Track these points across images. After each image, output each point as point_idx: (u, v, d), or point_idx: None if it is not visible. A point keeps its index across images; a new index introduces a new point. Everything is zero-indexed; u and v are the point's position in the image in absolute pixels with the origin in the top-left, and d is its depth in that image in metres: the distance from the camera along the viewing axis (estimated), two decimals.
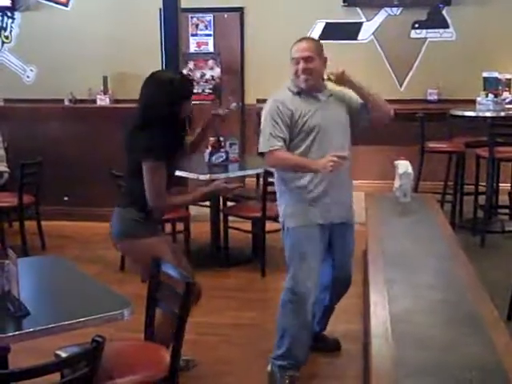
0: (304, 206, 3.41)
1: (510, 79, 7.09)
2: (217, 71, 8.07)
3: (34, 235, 5.84)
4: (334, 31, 7.84)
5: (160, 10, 6.56)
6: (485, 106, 6.48)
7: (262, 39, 7.93)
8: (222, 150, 5.48)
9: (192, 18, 8.17)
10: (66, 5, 8.34)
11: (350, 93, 3.57)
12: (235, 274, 5.34)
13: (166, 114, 3.30)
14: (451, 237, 3.80)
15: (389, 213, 4.18)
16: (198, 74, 8.08)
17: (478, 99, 6.60)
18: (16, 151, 6.26)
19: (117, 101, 7.60)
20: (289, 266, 3.48)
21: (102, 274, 4.73)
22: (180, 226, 5.58)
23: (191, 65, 8.08)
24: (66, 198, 6.87)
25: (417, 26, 7.81)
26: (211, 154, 5.44)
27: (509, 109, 6.49)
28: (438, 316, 2.73)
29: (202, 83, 8.04)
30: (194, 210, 5.86)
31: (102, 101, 7.65)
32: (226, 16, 8.25)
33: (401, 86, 7.95)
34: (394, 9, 7.84)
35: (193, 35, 8.25)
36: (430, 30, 7.80)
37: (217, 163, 5.43)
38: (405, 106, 7.60)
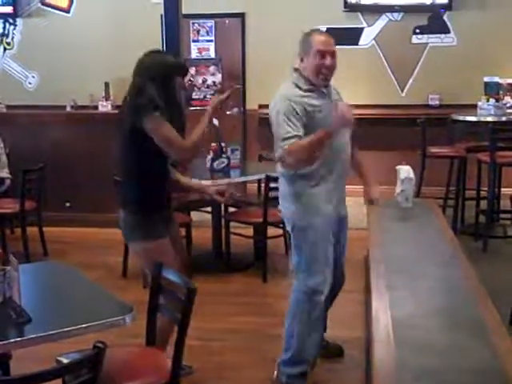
0: (313, 204, 3.35)
1: (511, 84, 7.08)
2: (218, 77, 8.08)
3: (36, 241, 5.83)
4: (335, 36, 7.64)
5: (161, 15, 6.58)
6: (486, 111, 6.48)
7: (264, 45, 7.94)
8: (224, 155, 5.48)
9: (193, 23, 8.19)
10: (67, 11, 8.37)
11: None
12: (237, 279, 5.33)
13: (157, 77, 3.27)
14: (453, 242, 3.79)
15: (390, 218, 4.17)
16: (199, 80, 8.09)
17: (479, 104, 6.60)
18: (18, 157, 6.26)
19: (118, 107, 7.61)
20: (298, 264, 3.42)
21: (103, 280, 4.72)
22: (182, 232, 5.57)
23: (193, 71, 8.09)
24: (68, 204, 6.87)
25: (418, 31, 7.82)
26: (213, 160, 5.44)
27: (510, 113, 6.50)
28: (440, 321, 2.72)
29: (203, 89, 8.05)
30: (195, 215, 5.86)
31: (104, 107, 7.67)
32: (227, 22, 8.27)
33: (402, 91, 7.96)
34: (395, 14, 7.86)
35: (194, 41, 8.27)
36: (431, 35, 7.81)
37: (218, 169, 5.44)
38: (406, 111, 7.63)
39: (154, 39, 7.64)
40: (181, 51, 6.28)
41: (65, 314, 2.67)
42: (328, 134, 3.18)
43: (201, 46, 8.27)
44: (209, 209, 5.72)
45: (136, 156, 3.30)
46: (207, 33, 8.26)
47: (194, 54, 8.25)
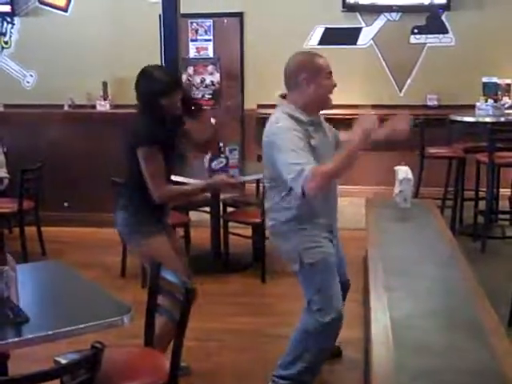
0: (317, 234, 3.26)
1: (509, 84, 7.10)
2: (216, 76, 8.08)
3: (34, 241, 5.82)
4: (333, 36, 7.86)
5: (160, 15, 6.57)
6: (484, 112, 6.49)
7: (262, 44, 7.94)
8: (222, 155, 5.47)
9: (192, 23, 8.18)
10: (65, 10, 8.36)
11: None
12: (235, 279, 5.33)
13: (148, 105, 3.34)
14: (451, 242, 3.79)
15: (389, 219, 4.17)
16: (197, 80, 8.09)
17: (478, 104, 6.61)
18: (16, 157, 6.26)
19: (116, 106, 7.62)
20: (313, 300, 3.28)
21: (102, 280, 4.71)
22: (180, 232, 5.57)
23: (191, 70, 8.09)
24: (66, 204, 6.86)
25: (416, 31, 7.82)
26: (211, 160, 5.43)
27: (508, 114, 6.50)
28: (438, 322, 2.72)
29: (201, 88, 8.05)
30: (194, 215, 5.86)
31: (102, 106, 7.67)
32: (225, 21, 8.26)
33: (400, 91, 7.96)
34: (394, 14, 7.86)
35: (192, 40, 8.26)
36: (429, 36, 7.81)
37: (217, 169, 5.43)
38: (404, 112, 7.61)
39: (152, 39, 7.65)
40: (179, 50, 6.27)
41: (63, 314, 2.67)
42: (354, 150, 3.01)
43: (199, 45, 8.27)
44: (207, 209, 5.72)
45: (139, 167, 3.37)
46: (205, 32, 8.26)
47: (193, 54, 8.25)
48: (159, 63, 7.40)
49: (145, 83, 3.40)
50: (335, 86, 3.22)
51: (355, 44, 7.95)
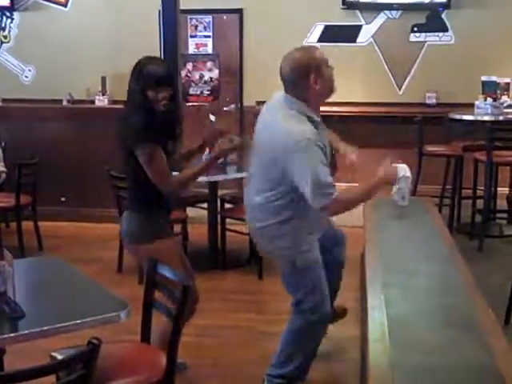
0: (310, 236, 3.26)
1: (508, 83, 7.09)
2: (215, 73, 8.06)
3: (31, 236, 5.82)
4: (332, 34, 7.83)
5: (159, 11, 6.55)
6: (483, 110, 6.48)
7: (261, 41, 7.92)
8: None
9: (191, 19, 8.16)
10: (64, 5, 8.33)
11: None
12: (232, 276, 5.33)
13: (136, 99, 3.26)
14: (449, 241, 3.80)
15: (387, 216, 4.17)
16: (196, 76, 8.06)
17: (477, 103, 6.60)
18: (13, 151, 6.25)
19: (115, 101, 7.58)
20: (304, 301, 3.28)
21: (99, 276, 4.70)
22: (177, 228, 5.57)
23: (190, 66, 8.07)
24: (63, 199, 6.85)
25: (416, 29, 7.80)
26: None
27: (507, 113, 6.49)
28: (435, 320, 2.73)
29: (200, 85, 8.03)
30: (191, 212, 5.85)
31: (101, 101, 7.64)
32: (225, 17, 8.24)
33: (399, 89, 7.95)
34: (394, 12, 7.84)
35: (192, 36, 8.24)
36: (429, 34, 7.79)
37: (216, 166, 5.41)
38: (403, 110, 7.61)
39: (151, 34, 7.62)
40: (178, 46, 6.25)
41: (59, 309, 2.66)
42: (380, 185, 3.21)
43: (198, 41, 8.24)
44: (205, 205, 5.71)
45: (137, 166, 3.28)
46: (205, 28, 8.24)
47: (192, 50, 8.23)
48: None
49: (136, 72, 3.31)
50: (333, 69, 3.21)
51: (355, 42, 7.93)
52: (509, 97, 7.01)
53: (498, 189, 6.40)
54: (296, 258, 3.23)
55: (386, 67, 7.91)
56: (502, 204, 6.44)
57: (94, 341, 2.12)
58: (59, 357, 2.61)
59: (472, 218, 6.17)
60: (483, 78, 6.91)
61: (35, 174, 5.75)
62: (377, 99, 7.83)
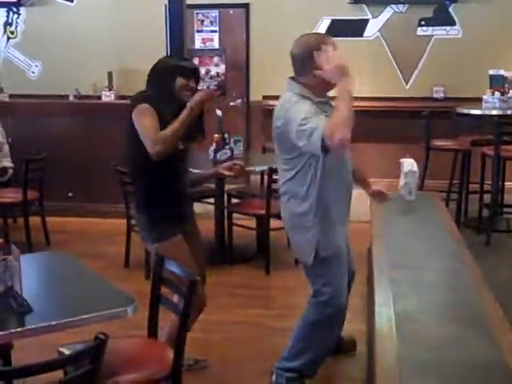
0: (333, 227, 3.23)
1: None
2: (222, 68, 8.05)
3: (39, 231, 5.83)
4: (339, 28, 7.81)
5: (165, 6, 6.54)
6: (491, 104, 6.45)
7: (268, 35, 7.91)
8: (227, 146, 5.47)
9: (197, 14, 8.16)
10: (71, 1, 8.34)
11: None
12: (239, 271, 5.33)
13: (163, 80, 3.27)
14: (456, 235, 3.78)
15: (394, 211, 4.16)
16: (203, 71, 8.05)
17: (484, 97, 6.57)
18: (20, 147, 6.26)
19: (122, 97, 7.59)
20: (320, 291, 3.27)
21: (105, 271, 4.71)
22: None
23: (196, 61, 8.06)
24: (70, 194, 6.86)
25: (423, 23, 7.78)
26: (216, 151, 5.43)
27: None
28: (442, 315, 2.72)
29: (206, 80, 8.02)
30: (198, 207, 5.84)
31: (107, 97, 7.65)
32: (231, 12, 8.23)
33: (407, 83, 7.93)
34: (400, 6, 7.81)
35: (198, 31, 8.24)
36: (436, 28, 7.77)
37: (221, 160, 5.42)
38: (410, 104, 7.60)
39: (158, 29, 7.62)
40: (185, 41, 6.25)
41: (66, 304, 2.67)
42: (348, 88, 2.94)
43: (205, 36, 8.24)
44: (212, 200, 5.71)
45: (139, 155, 3.23)
46: (211, 23, 8.23)
47: (198, 45, 8.22)
48: (165, 54, 7.39)
49: (165, 63, 3.36)
50: None
51: (362, 36, 7.91)
52: None
53: (506, 183, 6.38)
54: (318, 248, 3.20)
55: (393, 61, 7.89)
56: (509, 198, 6.42)
57: (101, 336, 2.12)
58: (67, 352, 2.61)
59: (479, 213, 6.15)
60: (491, 72, 6.87)
61: (42, 170, 5.76)
62: (384, 94, 7.81)
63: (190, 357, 3.54)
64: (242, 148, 5.59)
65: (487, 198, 6.12)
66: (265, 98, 7.78)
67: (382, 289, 2.91)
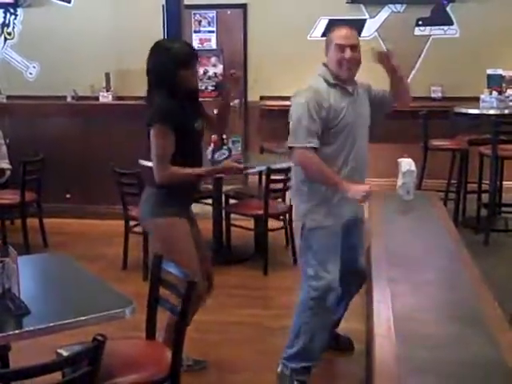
0: (326, 204, 3.29)
1: None
2: (219, 68, 8.05)
3: (36, 233, 5.82)
4: None
5: (163, 6, 6.55)
6: (488, 104, 6.45)
7: (265, 36, 7.91)
8: (225, 147, 5.46)
9: (195, 14, 8.15)
10: (68, 1, 8.34)
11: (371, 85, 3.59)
12: (237, 271, 5.32)
13: (163, 80, 3.27)
14: (454, 235, 3.78)
15: (392, 211, 4.16)
16: (200, 71, 8.05)
17: (482, 97, 6.57)
18: (18, 148, 6.25)
19: (119, 98, 7.60)
20: (308, 263, 3.34)
21: (103, 272, 4.71)
22: None
23: None
24: (68, 196, 6.86)
25: (420, 22, 7.78)
26: (214, 151, 5.42)
27: None
28: (441, 314, 2.72)
29: (204, 80, 8.02)
30: (196, 207, 5.83)
31: (105, 98, 7.65)
32: (229, 12, 8.23)
33: None
34: (398, 5, 7.82)
35: (196, 32, 8.23)
36: (433, 27, 7.77)
37: (219, 160, 5.41)
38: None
39: (155, 30, 7.61)
40: None
41: (64, 306, 2.66)
42: (341, 191, 3.19)
43: (202, 36, 8.24)
44: (209, 200, 5.71)
45: None
46: (209, 23, 8.23)
47: (196, 45, 8.20)
48: None
49: (162, 54, 3.33)
50: (346, 59, 3.32)
51: (359, 36, 7.85)
52: None
53: (504, 182, 6.38)
54: (305, 219, 3.33)
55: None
56: (507, 198, 6.42)
57: (99, 337, 2.12)
58: (65, 353, 2.60)
59: (477, 212, 6.15)
60: (488, 72, 6.88)
61: (40, 171, 5.75)
62: None
63: (189, 357, 3.53)
64: (240, 148, 5.59)
65: (485, 197, 6.13)
66: (262, 98, 7.78)
67: (381, 288, 2.91)
